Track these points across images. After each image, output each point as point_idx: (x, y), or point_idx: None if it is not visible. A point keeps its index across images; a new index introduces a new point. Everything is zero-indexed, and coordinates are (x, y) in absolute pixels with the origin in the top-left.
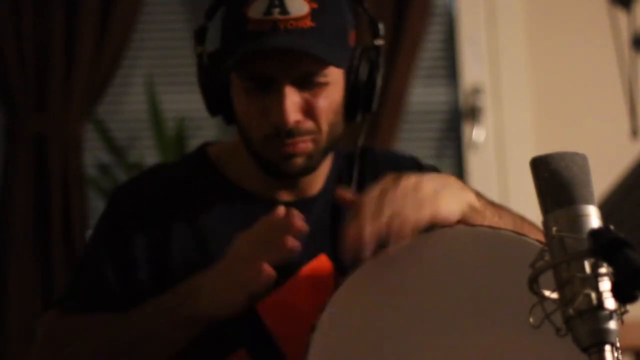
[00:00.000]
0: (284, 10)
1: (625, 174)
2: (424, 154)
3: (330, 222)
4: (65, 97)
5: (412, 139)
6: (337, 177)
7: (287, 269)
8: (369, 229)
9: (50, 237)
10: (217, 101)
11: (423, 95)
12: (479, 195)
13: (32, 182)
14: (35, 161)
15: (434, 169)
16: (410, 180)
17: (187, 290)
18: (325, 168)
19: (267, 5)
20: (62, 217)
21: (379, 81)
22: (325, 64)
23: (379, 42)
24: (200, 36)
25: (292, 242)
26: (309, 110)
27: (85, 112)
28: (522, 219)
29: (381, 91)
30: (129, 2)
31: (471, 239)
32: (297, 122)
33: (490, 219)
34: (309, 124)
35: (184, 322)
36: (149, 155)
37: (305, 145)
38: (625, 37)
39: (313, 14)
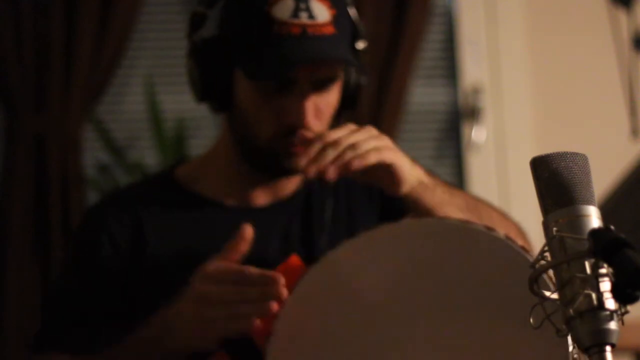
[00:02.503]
0: (311, 15)
1: (625, 174)
2: (423, 154)
3: (302, 222)
4: (64, 97)
5: (412, 139)
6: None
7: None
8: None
9: (50, 238)
10: (213, 90)
11: (423, 95)
12: (429, 173)
13: (31, 182)
14: (34, 161)
15: None
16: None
17: (161, 326)
18: None
19: (294, 8)
20: (61, 218)
21: (363, 82)
22: (350, 70)
23: (362, 44)
24: (197, 23)
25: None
26: (317, 112)
27: (84, 112)
28: (477, 200)
29: (381, 91)
30: (129, 2)
31: (418, 232)
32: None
33: (441, 196)
34: (317, 126)
35: (162, 356)
36: (149, 156)
37: None
38: (625, 37)
39: (334, 20)
